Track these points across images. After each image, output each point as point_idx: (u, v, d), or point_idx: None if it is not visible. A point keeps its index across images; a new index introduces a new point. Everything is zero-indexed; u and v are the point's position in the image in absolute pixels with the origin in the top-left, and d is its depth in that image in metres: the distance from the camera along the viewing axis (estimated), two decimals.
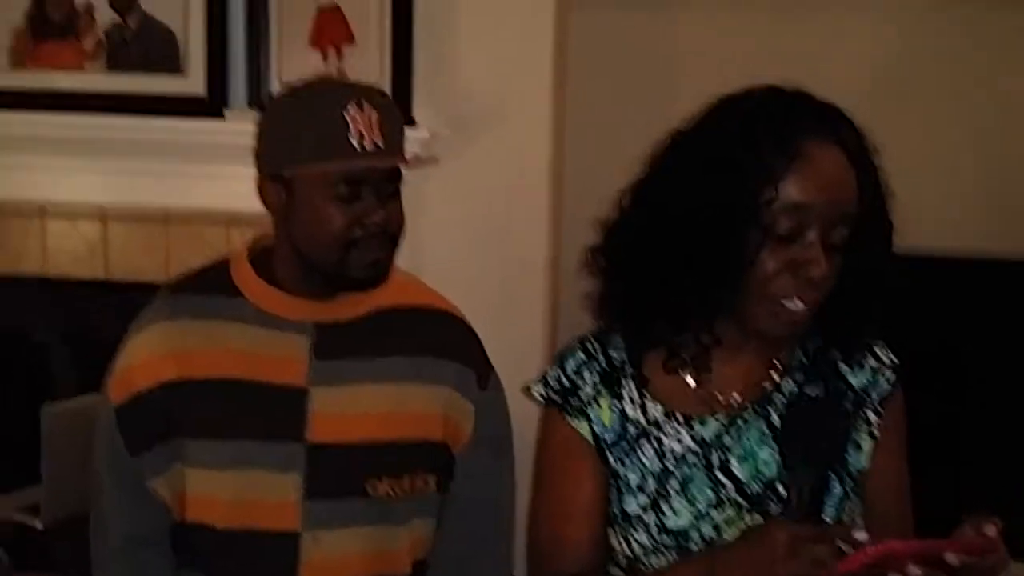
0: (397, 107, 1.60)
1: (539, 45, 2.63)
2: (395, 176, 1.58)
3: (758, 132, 1.32)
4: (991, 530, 1.18)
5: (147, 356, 1.62)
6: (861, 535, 1.18)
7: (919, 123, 2.95)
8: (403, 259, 2.57)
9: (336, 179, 1.52)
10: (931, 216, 2.88)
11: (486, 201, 2.66)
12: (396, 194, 1.60)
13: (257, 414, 1.60)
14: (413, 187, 2.56)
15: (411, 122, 2.56)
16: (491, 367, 1.74)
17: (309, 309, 1.62)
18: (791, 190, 1.30)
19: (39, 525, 2.51)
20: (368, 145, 1.51)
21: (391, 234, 1.58)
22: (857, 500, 1.43)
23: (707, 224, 1.32)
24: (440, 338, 1.69)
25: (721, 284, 1.35)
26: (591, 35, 3.06)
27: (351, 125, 1.51)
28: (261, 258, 1.65)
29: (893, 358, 1.49)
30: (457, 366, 1.68)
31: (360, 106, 1.52)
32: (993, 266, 2.77)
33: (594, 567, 1.47)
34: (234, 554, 1.62)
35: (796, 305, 1.34)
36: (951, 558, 1.17)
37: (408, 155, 1.63)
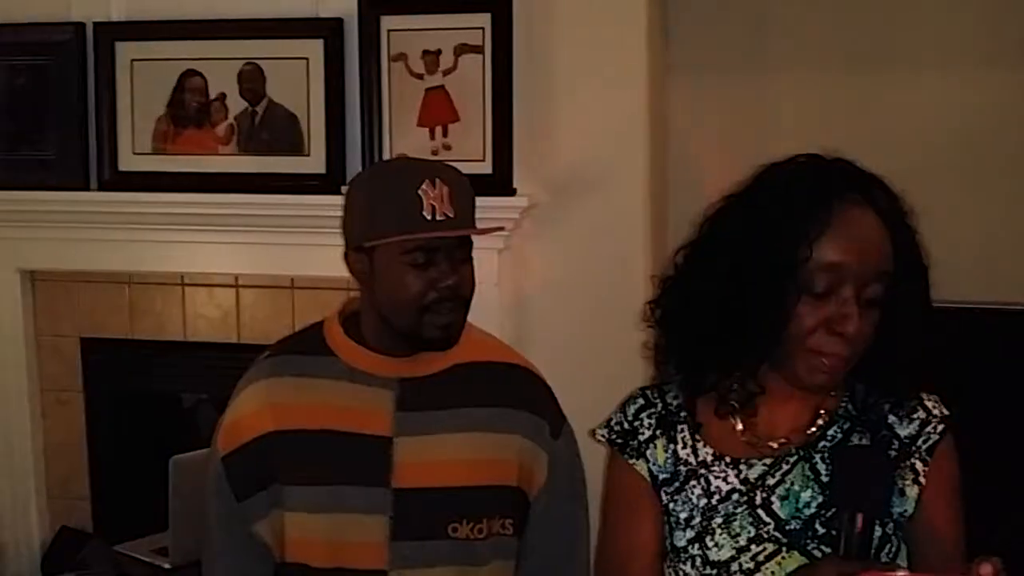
0: (469, 182, 1.74)
1: (633, 113, 2.73)
2: (466, 244, 1.72)
3: (794, 196, 1.42)
4: (986, 569, 1.19)
5: (250, 410, 1.77)
6: (901, 574, 1.24)
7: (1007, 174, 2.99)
8: (508, 318, 2.69)
9: (411, 248, 1.66)
10: None
11: (585, 263, 2.76)
12: (467, 260, 1.72)
13: (347, 461, 1.73)
14: (516, 251, 2.73)
15: (512, 192, 2.70)
16: (564, 418, 1.84)
17: (393, 366, 1.76)
18: (825, 250, 1.39)
19: (166, 565, 2.71)
20: (439, 217, 1.66)
21: (462, 297, 1.71)
22: (899, 543, 1.47)
23: (749, 281, 1.42)
24: (514, 390, 1.81)
25: (763, 338, 1.43)
26: (693, 98, 3.15)
27: (424, 200, 1.65)
28: (351, 320, 1.80)
29: (944, 410, 1.52)
30: (530, 416, 1.79)
31: (433, 183, 1.67)
32: None
33: None
34: None
35: (831, 359, 1.41)
36: None
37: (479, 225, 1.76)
